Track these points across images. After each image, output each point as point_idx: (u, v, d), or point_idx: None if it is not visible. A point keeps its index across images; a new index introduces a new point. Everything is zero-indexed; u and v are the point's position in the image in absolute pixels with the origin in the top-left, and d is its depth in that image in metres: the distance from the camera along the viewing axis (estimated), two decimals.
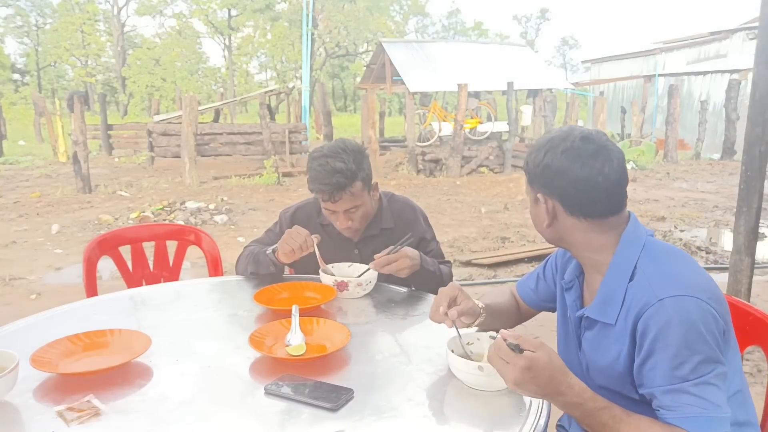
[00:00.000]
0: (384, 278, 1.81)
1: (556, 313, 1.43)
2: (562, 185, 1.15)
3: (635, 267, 1.12)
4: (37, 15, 40.30)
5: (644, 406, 1.10)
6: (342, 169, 1.73)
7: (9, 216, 7.21)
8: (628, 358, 1.12)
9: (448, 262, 2.02)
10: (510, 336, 1.05)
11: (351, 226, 1.84)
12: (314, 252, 1.77)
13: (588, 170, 1.12)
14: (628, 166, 11.40)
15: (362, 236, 1.95)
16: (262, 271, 1.86)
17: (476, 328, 1.40)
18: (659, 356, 1.04)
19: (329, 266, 1.81)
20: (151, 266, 2.41)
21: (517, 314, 1.54)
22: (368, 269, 1.76)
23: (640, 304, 1.07)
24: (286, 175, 10.43)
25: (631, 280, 1.12)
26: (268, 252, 1.83)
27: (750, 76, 3.43)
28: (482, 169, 11.23)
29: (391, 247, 1.74)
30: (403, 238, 1.83)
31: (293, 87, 16.17)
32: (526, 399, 1.16)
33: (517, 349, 1.02)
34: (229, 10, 35.95)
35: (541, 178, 1.17)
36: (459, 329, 1.31)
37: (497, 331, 1.29)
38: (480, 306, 1.38)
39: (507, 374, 1.03)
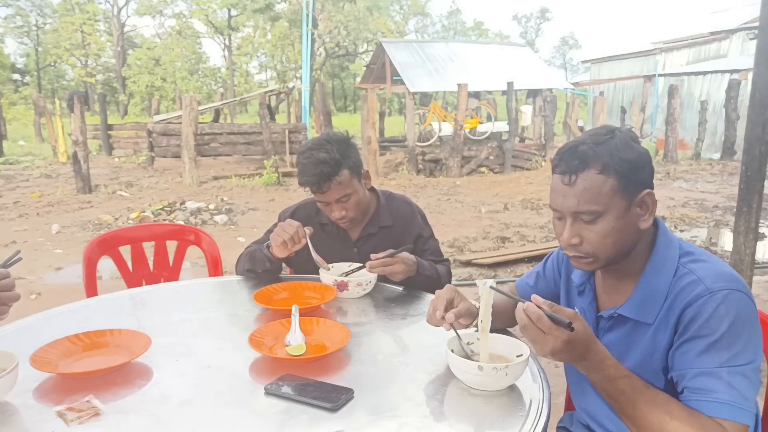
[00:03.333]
0: (384, 278, 1.81)
1: None
2: (650, 172, 1.12)
3: (677, 265, 1.13)
4: (37, 15, 40.28)
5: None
6: (326, 159, 1.74)
7: (9, 216, 7.21)
8: (664, 350, 1.12)
9: (447, 260, 2.02)
10: (544, 304, 1.03)
11: (346, 215, 1.83)
12: (307, 245, 1.77)
13: (647, 152, 1.14)
14: None
15: (361, 234, 1.95)
16: (258, 267, 1.85)
17: (475, 328, 1.40)
18: (701, 341, 1.04)
19: (330, 265, 1.81)
20: (151, 266, 2.41)
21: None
22: (361, 267, 1.76)
23: (689, 297, 1.07)
24: (286, 175, 10.42)
25: (673, 276, 1.12)
26: (263, 248, 1.83)
27: (750, 76, 3.42)
28: (482, 169, 11.23)
29: (390, 250, 1.74)
30: (402, 237, 1.83)
31: (293, 87, 16.19)
32: (526, 399, 1.16)
33: (566, 325, 1.00)
34: (229, 10, 35.94)
35: (640, 173, 1.11)
36: (458, 330, 1.31)
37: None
38: (477, 307, 1.38)
39: (545, 344, 1.02)
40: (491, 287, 1.22)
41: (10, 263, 1.28)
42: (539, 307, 1.03)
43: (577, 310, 1.31)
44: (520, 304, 1.07)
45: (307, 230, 1.76)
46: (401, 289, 1.82)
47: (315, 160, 1.74)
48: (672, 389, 1.10)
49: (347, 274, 1.77)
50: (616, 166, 1.08)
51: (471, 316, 1.37)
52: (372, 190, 1.99)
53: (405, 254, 1.75)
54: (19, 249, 1.32)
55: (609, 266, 1.19)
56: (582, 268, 1.21)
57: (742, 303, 1.05)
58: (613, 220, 1.11)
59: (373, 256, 1.73)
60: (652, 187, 1.13)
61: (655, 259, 1.16)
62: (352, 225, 1.92)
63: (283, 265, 2.00)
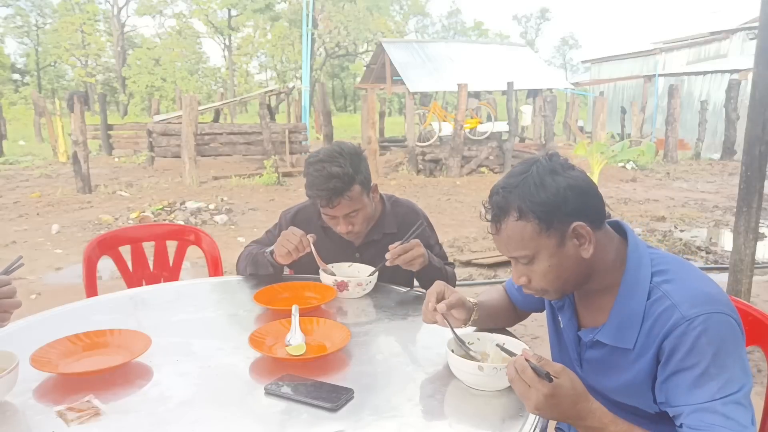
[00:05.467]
0: (384, 278, 1.81)
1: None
2: (577, 201, 1.08)
3: (650, 286, 1.09)
4: (37, 15, 40.30)
5: (662, 421, 1.09)
6: (339, 174, 1.69)
7: (9, 216, 7.20)
8: (649, 377, 1.10)
9: (452, 264, 2.01)
10: (532, 357, 1.02)
11: (352, 230, 1.81)
12: (312, 252, 1.76)
13: (577, 174, 1.11)
14: (628, 166, 11.48)
15: (364, 240, 1.93)
16: (261, 272, 1.86)
17: (474, 328, 1.40)
18: (687, 374, 1.02)
19: (329, 266, 1.81)
20: (151, 266, 2.41)
21: (512, 313, 1.52)
22: (379, 267, 1.75)
23: (666, 325, 1.04)
24: (286, 175, 10.42)
25: (648, 299, 1.09)
26: (266, 253, 1.82)
27: (750, 76, 3.42)
28: (482, 169, 11.23)
29: (400, 241, 1.73)
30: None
31: (293, 87, 16.18)
32: None
33: (545, 375, 0.99)
34: (229, 10, 35.96)
35: (561, 209, 1.07)
36: (456, 330, 1.30)
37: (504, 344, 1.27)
38: (472, 302, 1.38)
39: (528, 398, 1.01)
40: (497, 345, 1.23)
41: (12, 270, 1.28)
42: (527, 360, 1.01)
43: (561, 322, 1.29)
44: (511, 358, 1.06)
45: (311, 238, 1.75)
46: (402, 289, 1.82)
47: (327, 173, 1.69)
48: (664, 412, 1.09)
49: (368, 276, 1.76)
50: (531, 210, 1.07)
51: (464, 308, 1.36)
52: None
53: (416, 239, 1.73)
54: (21, 255, 1.32)
55: (571, 292, 1.19)
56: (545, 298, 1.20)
57: (722, 325, 1.02)
58: (547, 259, 1.10)
59: (390, 246, 1.70)
60: (584, 217, 1.08)
61: (626, 281, 1.12)
62: (357, 237, 1.90)
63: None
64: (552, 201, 1.07)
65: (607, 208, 1.15)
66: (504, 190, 1.11)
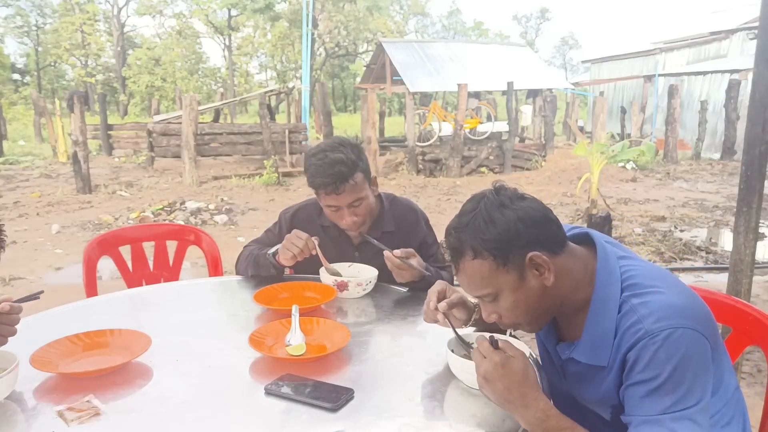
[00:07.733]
0: (384, 278, 1.81)
1: None
2: (530, 232, 1.06)
3: (621, 301, 1.07)
4: (37, 15, 40.26)
5: None
6: (342, 160, 1.71)
7: (9, 216, 7.20)
8: (617, 389, 1.09)
9: (449, 266, 2.00)
10: (501, 339, 1.06)
11: (357, 221, 1.80)
12: (316, 254, 1.76)
13: (527, 204, 1.09)
14: (628, 166, 11.48)
15: (363, 239, 1.93)
16: (263, 273, 1.86)
17: (474, 328, 1.40)
18: (642, 387, 1.01)
19: (332, 266, 1.80)
20: (151, 266, 2.41)
21: None
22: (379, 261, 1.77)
23: (631, 340, 1.02)
24: (286, 175, 10.43)
25: (618, 313, 1.07)
26: (268, 255, 1.82)
27: (750, 76, 3.42)
28: (482, 169, 11.23)
29: (412, 251, 1.72)
30: (405, 243, 1.78)
31: (293, 87, 16.17)
32: None
33: (495, 344, 1.04)
34: (229, 10, 35.93)
35: (514, 242, 1.06)
36: (457, 330, 1.30)
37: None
38: (474, 302, 1.37)
39: (480, 367, 1.04)
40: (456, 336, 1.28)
41: (27, 300, 1.30)
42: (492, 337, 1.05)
43: (544, 339, 1.29)
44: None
45: (315, 240, 1.75)
46: (402, 289, 1.82)
47: (331, 160, 1.71)
48: None
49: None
50: (484, 248, 1.06)
51: (465, 307, 1.36)
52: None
53: (419, 270, 1.71)
54: (42, 290, 1.33)
55: (548, 320, 1.18)
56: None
57: (685, 340, 0.99)
58: (511, 294, 1.09)
59: (396, 252, 1.69)
60: (540, 246, 1.07)
61: (596, 299, 1.10)
62: (361, 230, 1.88)
63: None
64: (504, 236, 1.06)
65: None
66: (456, 231, 1.10)
